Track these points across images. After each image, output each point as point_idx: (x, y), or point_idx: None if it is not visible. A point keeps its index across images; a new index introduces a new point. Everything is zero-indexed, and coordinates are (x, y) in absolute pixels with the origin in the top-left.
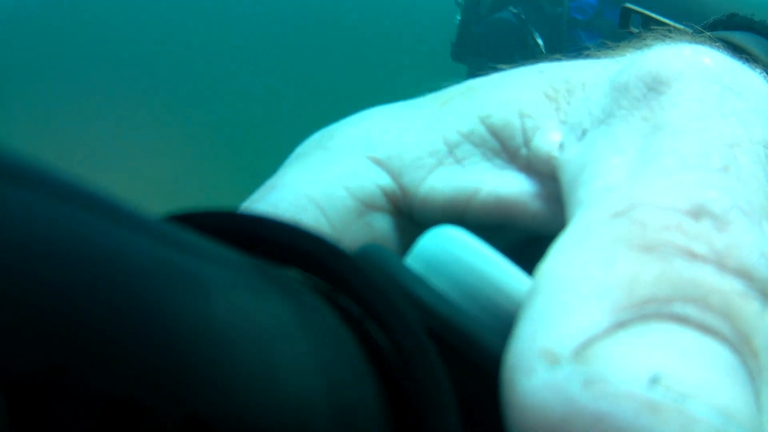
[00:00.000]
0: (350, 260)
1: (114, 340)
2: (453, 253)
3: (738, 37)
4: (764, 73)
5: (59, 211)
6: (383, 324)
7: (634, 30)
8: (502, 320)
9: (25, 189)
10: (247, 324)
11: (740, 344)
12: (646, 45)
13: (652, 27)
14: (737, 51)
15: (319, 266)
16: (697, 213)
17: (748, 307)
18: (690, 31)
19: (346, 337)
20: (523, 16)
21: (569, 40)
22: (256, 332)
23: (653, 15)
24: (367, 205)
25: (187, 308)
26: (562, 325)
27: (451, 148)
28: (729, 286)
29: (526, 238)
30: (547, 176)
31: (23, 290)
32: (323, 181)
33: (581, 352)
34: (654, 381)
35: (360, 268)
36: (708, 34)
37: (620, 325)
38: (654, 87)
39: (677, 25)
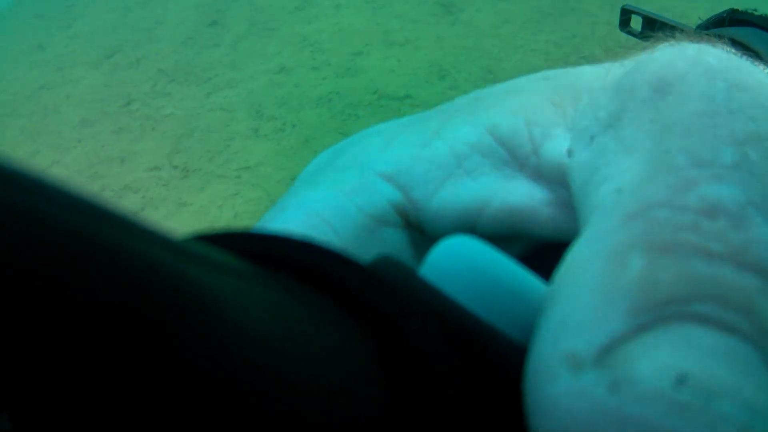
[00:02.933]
0: (363, 270)
1: (118, 338)
2: (467, 261)
3: (741, 34)
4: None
5: (83, 223)
6: (401, 333)
7: (635, 30)
8: (519, 327)
9: (59, 207)
10: (257, 331)
11: (761, 340)
12: (649, 47)
13: (653, 27)
14: (740, 48)
15: (332, 278)
16: (712, 211)
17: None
18: (692, 29)
19: (361, 346)
20: None
21: None
22: (267, 338)
23: (654, 15)
24: (378, 221)
25: (198, 314)
26: (583, 330)
27: (460, 160)
28: (747, 283)
29: (539, 246)
30: (557, 183)
31: (30, 287)
32: (333, 199)
33: (604, 355)
34: (680, 382)
35: (374, 278)
36: (711, 31)
37: (642, 327)
38: (660, 88)
39: (678, 25)
